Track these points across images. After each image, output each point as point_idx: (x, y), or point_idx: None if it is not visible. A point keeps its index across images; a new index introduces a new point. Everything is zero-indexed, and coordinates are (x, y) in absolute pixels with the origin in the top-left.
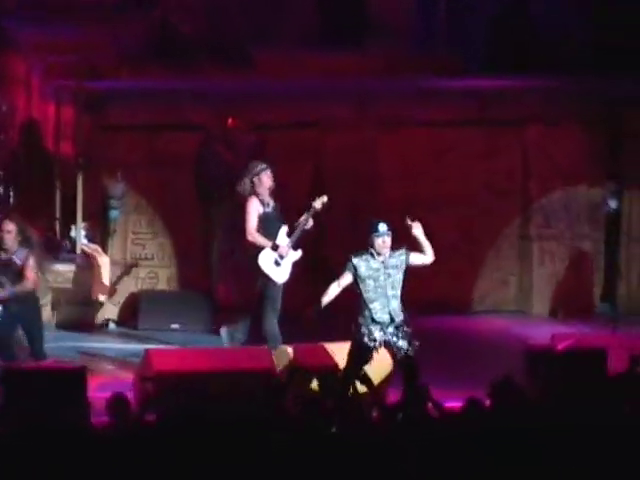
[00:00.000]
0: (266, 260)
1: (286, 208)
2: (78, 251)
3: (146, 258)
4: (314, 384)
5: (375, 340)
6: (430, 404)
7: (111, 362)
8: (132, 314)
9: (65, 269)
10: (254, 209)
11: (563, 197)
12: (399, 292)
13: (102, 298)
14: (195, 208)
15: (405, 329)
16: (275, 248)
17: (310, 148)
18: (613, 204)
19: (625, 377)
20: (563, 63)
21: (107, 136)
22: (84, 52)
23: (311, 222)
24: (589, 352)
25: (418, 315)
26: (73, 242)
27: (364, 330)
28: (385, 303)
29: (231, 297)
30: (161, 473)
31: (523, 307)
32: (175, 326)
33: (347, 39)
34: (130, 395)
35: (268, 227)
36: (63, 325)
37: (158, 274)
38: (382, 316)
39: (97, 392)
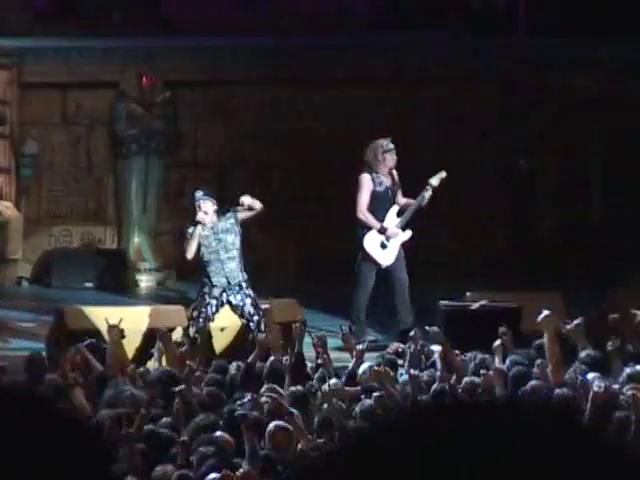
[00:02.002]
0: (372, 242)
1: (201, 165)
2: None
3: (59, 216)
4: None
5: (216, 298)
6: None
7: (24, 320)
8: (45, 272)
9: None
10: (366, 186)
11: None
12: (235, 253)
13: (15, 256)
14: (108, 166)
15: (247, 291)
16: (383, 231)
17: (221, 106)
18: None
19: None
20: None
21: (20, 94)
22: None
23: (427, 200)
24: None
25: None
26: None
27: (206, 290)
28: (220, 267)
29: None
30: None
31: None
32: (88, 284)
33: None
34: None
35: (377, 206)
36: None
37: (72, 232)
38: (219, 279)
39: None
